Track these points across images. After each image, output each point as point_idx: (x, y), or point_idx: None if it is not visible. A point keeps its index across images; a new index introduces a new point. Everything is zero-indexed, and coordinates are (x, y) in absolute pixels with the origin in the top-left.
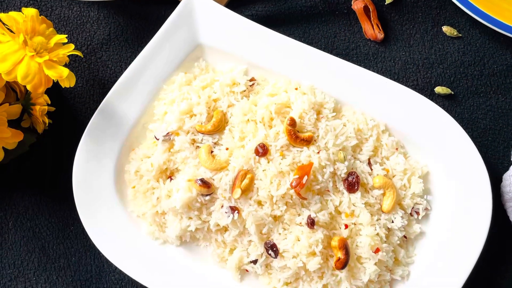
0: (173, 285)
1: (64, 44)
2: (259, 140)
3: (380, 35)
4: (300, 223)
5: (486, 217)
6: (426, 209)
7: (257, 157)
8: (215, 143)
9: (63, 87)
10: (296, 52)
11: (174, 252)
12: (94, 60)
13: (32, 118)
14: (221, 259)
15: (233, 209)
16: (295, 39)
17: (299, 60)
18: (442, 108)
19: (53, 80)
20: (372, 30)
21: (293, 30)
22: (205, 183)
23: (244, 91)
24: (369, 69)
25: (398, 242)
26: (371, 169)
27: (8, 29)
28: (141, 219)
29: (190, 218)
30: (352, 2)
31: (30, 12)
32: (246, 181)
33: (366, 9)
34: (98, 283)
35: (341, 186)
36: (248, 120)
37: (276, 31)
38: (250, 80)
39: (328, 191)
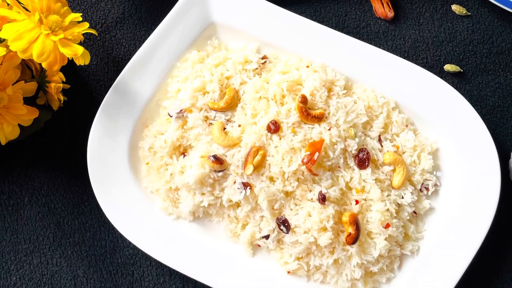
0: (186, 260)
1: (79, 22)
2: (271, 117)
3: (390, 14)
4: (312, 199)
5: (494, 192)
6: (435, 185)
7: (269, 133)
8: (227, 120)
9: (78, 65)
10: (308, 30)
11: (187, 228)
12: (108, 38)
13: (47, 96)
14: (234, 234)
15: (246, 185)
16: (307, 17)
17: (310, 38)
18: (451, 85)
19: (68, 58)
20: (382, 9)
21: (305, 8)
22: (217, 160)
23: (256, 69)
24: (379, 47)
25: (408, 217)
26: (382, 146)
27: (23, 7)
28: (154, 195)
29: (203, 194)
30: None
31: None
32: (258, 157)
33: None
34: (112, 258)
35: (351, 163)
36: (260, 97)
37: (288, 9)
38: (262, 58)
39: (339, 167)
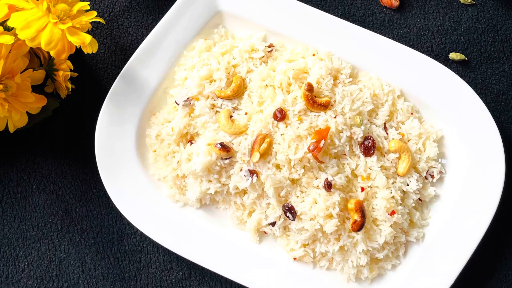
0: (192, 247)
1: (86, 11)
2: (277, 105)
3: (395, 2)
4: (318, 186)
5: (499, 180)
6: (440, 172)
7: (275, 121)
8: (234, 108)
9: (85, 53)
10: (314, 19)
11: (194, 215)
12: (116, 26)
13: (56, 84)
14: (240, 221)
15: (252, 172)
16: (313, 6)
17: (316, 27)
18: (456, 73)
19: (75, 46)
20: None
21: None
22: (224, 147)
23: (263, 57)
24: (384, 35)
25: (413, 204)
26: (387, 133)
27: None
28: (162, 182)
29: (210, 181)
30: None
31: None
32: (264, 145)
33: None
34: (120, 245)
35: (357, 150)
36: (266, 85)
37: None
38: (269, 47)
39: (345, 154)
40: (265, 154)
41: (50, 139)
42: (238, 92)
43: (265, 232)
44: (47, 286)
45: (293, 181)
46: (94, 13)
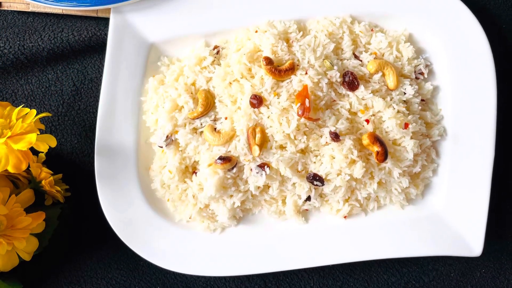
0: (247, 263)
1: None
2: (249, 93)
3: None
4: (326, 142)
5: (483, 45)
6: (427, 66)
7: (255, 109)
8: (214, 120)
9: (43, 151)
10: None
11: (236, 232)
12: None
13: (49, 193)
14: (279, 213)
15: (262, 166)
16: None
17: (244, 6)
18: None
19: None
20: None
21: None
22: (225, 159)
23: (214, 61)
24: None
25: (420, 107)
26: (360, 60)
27: None
28: (192, 222)
29: (231, 196)
30: None
31: None
32: (258, 135)
33: None
34: None
35: (342, 90)
36: (230, 83)
37: None
38: (214, 49)
39: (334, 101)
40: (264, 143)
41: None
42: (209, 104)
43: (307, 210)
44: None
45: (303, 151)
46: (34, 112)
